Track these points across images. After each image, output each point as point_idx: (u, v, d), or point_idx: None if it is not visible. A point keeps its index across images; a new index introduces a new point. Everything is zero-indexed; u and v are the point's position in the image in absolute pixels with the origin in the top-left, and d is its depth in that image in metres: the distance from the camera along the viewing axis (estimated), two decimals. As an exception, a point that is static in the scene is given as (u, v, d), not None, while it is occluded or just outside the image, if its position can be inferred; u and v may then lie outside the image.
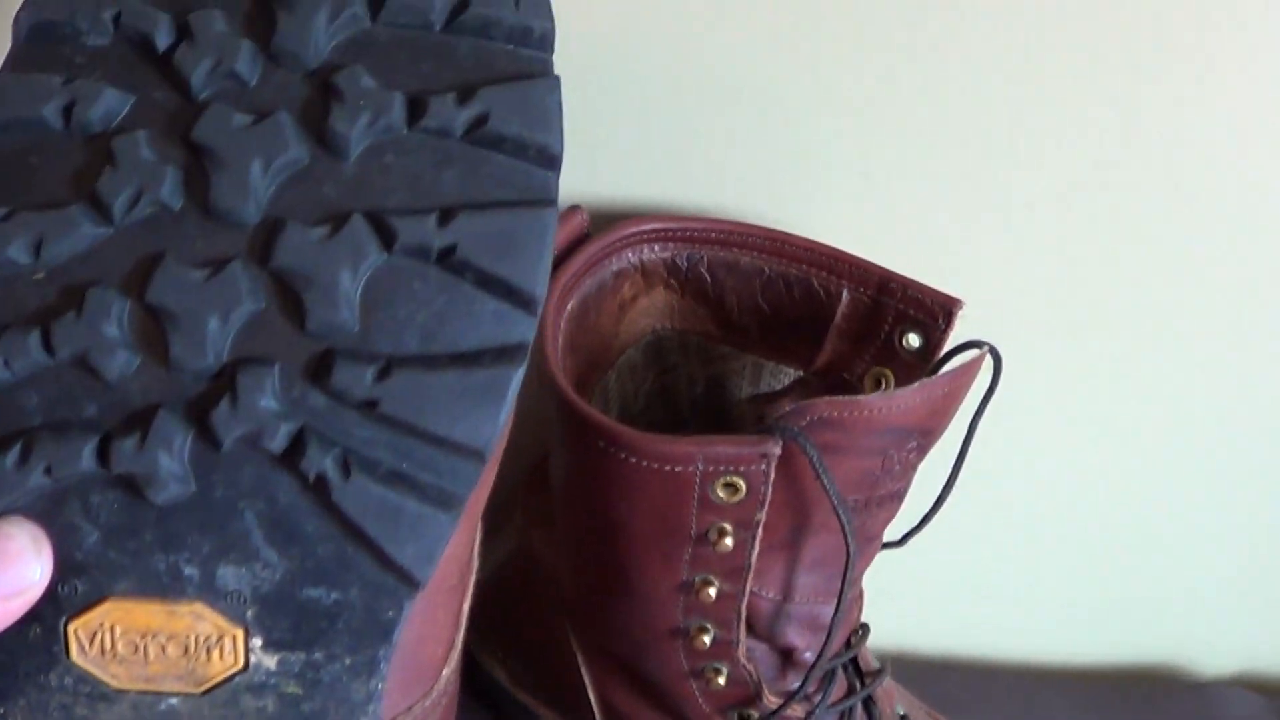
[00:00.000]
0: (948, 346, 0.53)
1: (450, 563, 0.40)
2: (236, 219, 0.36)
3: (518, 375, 0.35)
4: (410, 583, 0.35)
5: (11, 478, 0.34)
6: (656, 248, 0.56)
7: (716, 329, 0.58)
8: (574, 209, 0.55)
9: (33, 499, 0.34)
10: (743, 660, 0.54)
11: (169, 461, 0.34)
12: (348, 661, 0.36)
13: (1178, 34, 0.55)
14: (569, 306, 0.53)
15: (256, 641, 0.36)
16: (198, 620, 0.35)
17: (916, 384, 0.49)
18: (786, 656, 0.56)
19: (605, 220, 0.55)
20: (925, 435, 0.51)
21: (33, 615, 0.35)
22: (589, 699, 0.60)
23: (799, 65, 0.56)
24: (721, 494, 0.49)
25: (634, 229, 0.55)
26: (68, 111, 0.37)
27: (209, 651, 0.36)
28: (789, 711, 0.55)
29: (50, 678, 0.36)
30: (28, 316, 0.35)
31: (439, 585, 0.40)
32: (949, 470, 0.55)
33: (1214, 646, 0.76)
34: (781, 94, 0.57)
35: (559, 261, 0.53)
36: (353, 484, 0.34)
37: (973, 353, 0.51)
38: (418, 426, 0.34)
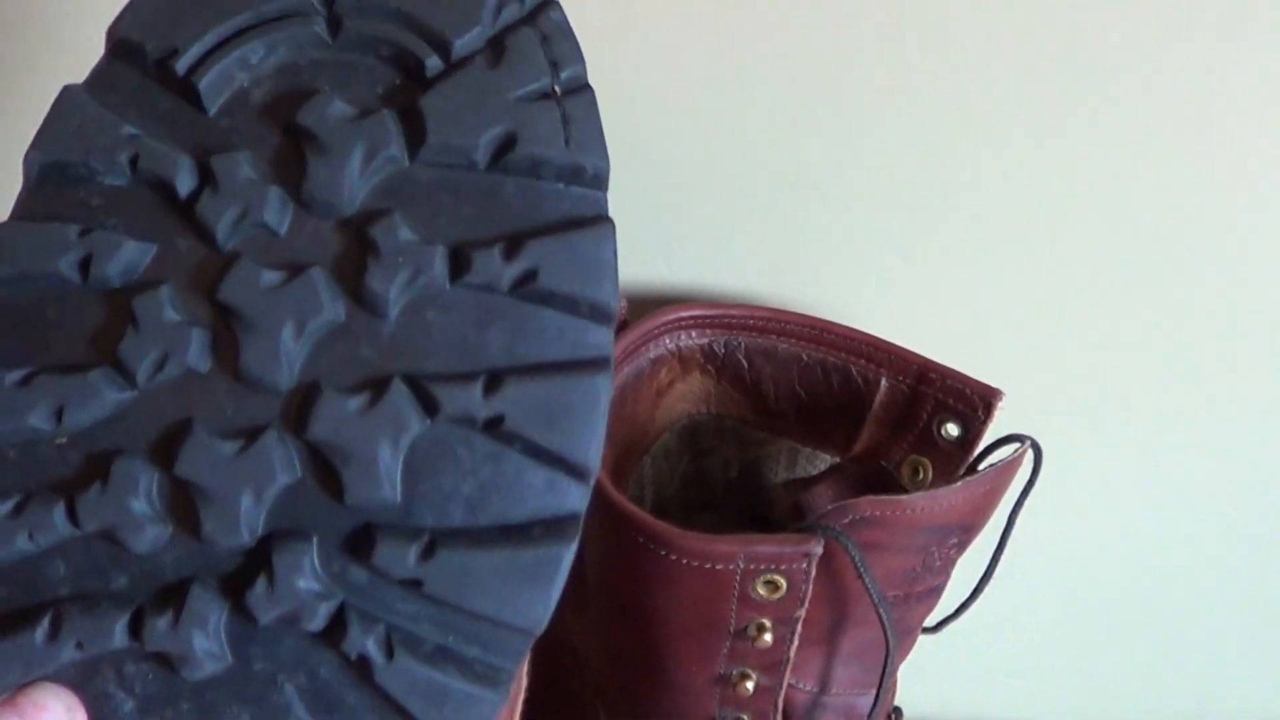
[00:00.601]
0: (987, 437, 0.53)
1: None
2: (269, 384, 0.34)
3: (570, 552, 0.33)
4: None
5: (42, 652, 0.33)
6: (694, 334, 0.56)
7: (753, 414, 0.58)
8: (612, 297, 0.54)
9: (65, 668, 0.33)
10: (778, 751, 0.54)
11: (204, 640, 0.33)
12: None
13: (1228, 131, 0.54)
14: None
15: None
16: None
17: (959, 483, 0.49)
18: (822, 746, 0.56)
19: (643, 307, 0.55)
20: (966, 532, 0.51)
21: None
22: (619, 780, 0.59)
23: (840, 152, 0.56)
24: (762, 591, 0.49)
25: (672, 316, 0.55)
26: (85, 265, 0.35)
27: None
28: (824, 801, 0.55)
29: None
30: (51, 486, 0.33)
31: None
32: (987, 558, 0.54)
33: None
34: (821, 181, 0.56)
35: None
36: (396, 664, 0.33)
37: (1014, 448, 0.51)
38: (464, 607, 0.33)
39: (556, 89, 0.37)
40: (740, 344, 0.56)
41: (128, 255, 0.35)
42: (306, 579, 0.33)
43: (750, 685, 0.51)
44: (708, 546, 0.48)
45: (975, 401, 0.53)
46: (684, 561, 0.48)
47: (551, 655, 0.60)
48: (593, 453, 0.34)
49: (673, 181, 0.57)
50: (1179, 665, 0.72)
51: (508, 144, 0.36)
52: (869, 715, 0.53)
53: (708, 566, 0.48)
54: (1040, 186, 0.56)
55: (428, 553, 0.33)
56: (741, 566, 0.48)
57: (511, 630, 0.33)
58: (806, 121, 0.55)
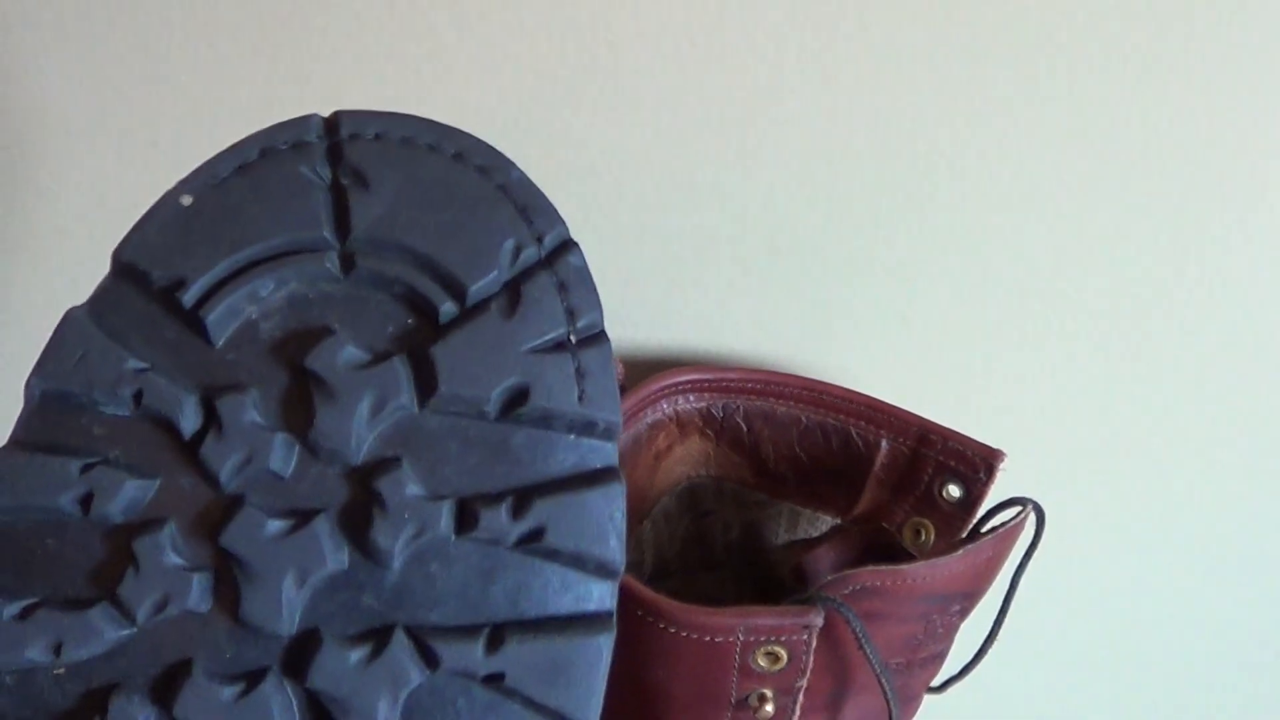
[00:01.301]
0: (990, 498, 0.52)
1: None
2: (269, 631, 0.34)
3: None
4: None
5: None
6: (692, 398, 0.56)
7: (752, 476, 0.57)
8: (609, 362, 0.54)
9: None
10: (783, 819, 0.53)
11: None
12: None
13: (1232, 171, 0.54)
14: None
15: None
16: None
17: (960, 551, 0.49)
18: (826, 813, 0.55)
19: (640, 371, 0.55)
20: (968, 598, 0.50)
21: None
22: (624, 845, 0.59)
23: (837, 216, 0.55)
24: (763, 663, 0.48)
25: (669, 381, 0.55)
26: (86, 502, 0.35)
27: None
28: None
29: None
30: (48, 718, 0.33)
31: None
32: (991, 622, 0.54)
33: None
34: (818, 243, 0.56)
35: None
36: None
37: (1016, 511, 0.50)
38: None
39: (572, 338, 0.36)
40: (739, 407, 0.56)
41: (129, 493, 0.35)
42: None
43: (753, 755, 0.51)
44: (707, 620, 0.47)
45: (977, 463, 0.52)
46: (683, 634, 0.48)
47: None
48: (592, 711, 0.34)
49: (670, 245, 0.56)
50: (1205, 712, 0.72)
51: (520, 397, 0.36)
52: (874, 782, 0.52)
53: (707, 639, 0.48)
54: (1039, 250, 0.56)
55: None
56: (741, 639, 0.48)
57: None
58: (802, 185, 0.55)
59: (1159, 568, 0.65)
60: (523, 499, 0.35)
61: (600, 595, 0.35)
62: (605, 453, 0.36)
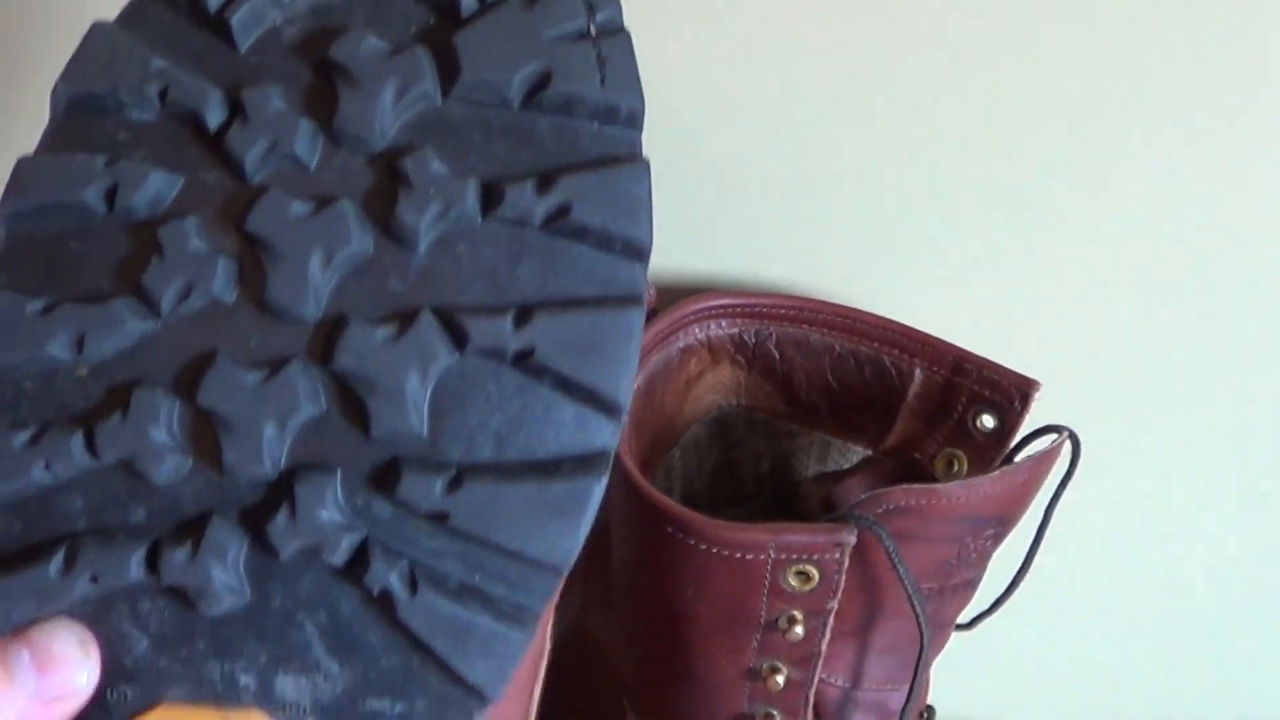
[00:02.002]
0: (1024, 429, 0.52)
1: (524, 661, 0.38)
2: (295, 315, 0.33)
3: (599, 487, 0.33)
4: (481, 698, 0.33)
5: (56, 586, 0.32)
6: (724, 324, 0.55)
7: (784, 406, 0.57)
8: (641, 284, 0.54)
9: (78, 605, 0.33)
10: (809, 748, 0.53)
11: (222, 574, 0.32)
12: None
13: (1267, 117, 0.53)
14: (636, 384, 0.52)
15: None
16: None
17: (996, 473, 0.48)
18: (853, 744, 0.55)
19: (672, 296, 0.54)
20: (1002, 523, 0.50)
21: (81, 719, 0.33)
22: (647, 780, 0.58)
23: (874, 142, 0.55)
24: (793, 582, 0.48)
25: (701, 305, 0.54)
26: (111, 196, 0.34)
27: None
28: (854, 799, 0.54)
29: None
30: (70, 417, 0.33)
31: (510, 686, 0.38)
32: (1023, 554, 0.53)
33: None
34: (854, 171, 0.56)
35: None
36: (419, 600, 0.32)
37: (1052, 438, 0.50)
38: (491, 540, 0.32)
39: (592, 30, 0.36)
40: (771, 334, 0.55)
41: (154, 186, 0.34)
42: (329, 510, 0.32)
43: (780, 679, 0.50)
44: (738, 535, 0.47)
45: (1011, 392, 0.52)
46: (714, 551, 0.47)
47: (577, 654, 0.60)
48: (624, 388, 0.33)
49: (704, 171, 0.56)
50: (1227, 669, 0.71)
51: (542, 82, 0.35)
52: (901, 712, 0.52)
53: (738, 556, 0.47)
54: (1077, 175, 0.55)
55: (454, 485, 0.32)
56: (773, 556, 0.47)
57: (538, 567, 0.33)
58: (840, 111, 0.54)
59: (1201, 501, 0.64)
60: (548, 177, 0.34)
61: (629, 276, 0.34)
62: (629, 140, 0.35)
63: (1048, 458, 0.49)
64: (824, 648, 0.50)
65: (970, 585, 0.52)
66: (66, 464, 0.33)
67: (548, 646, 0.44)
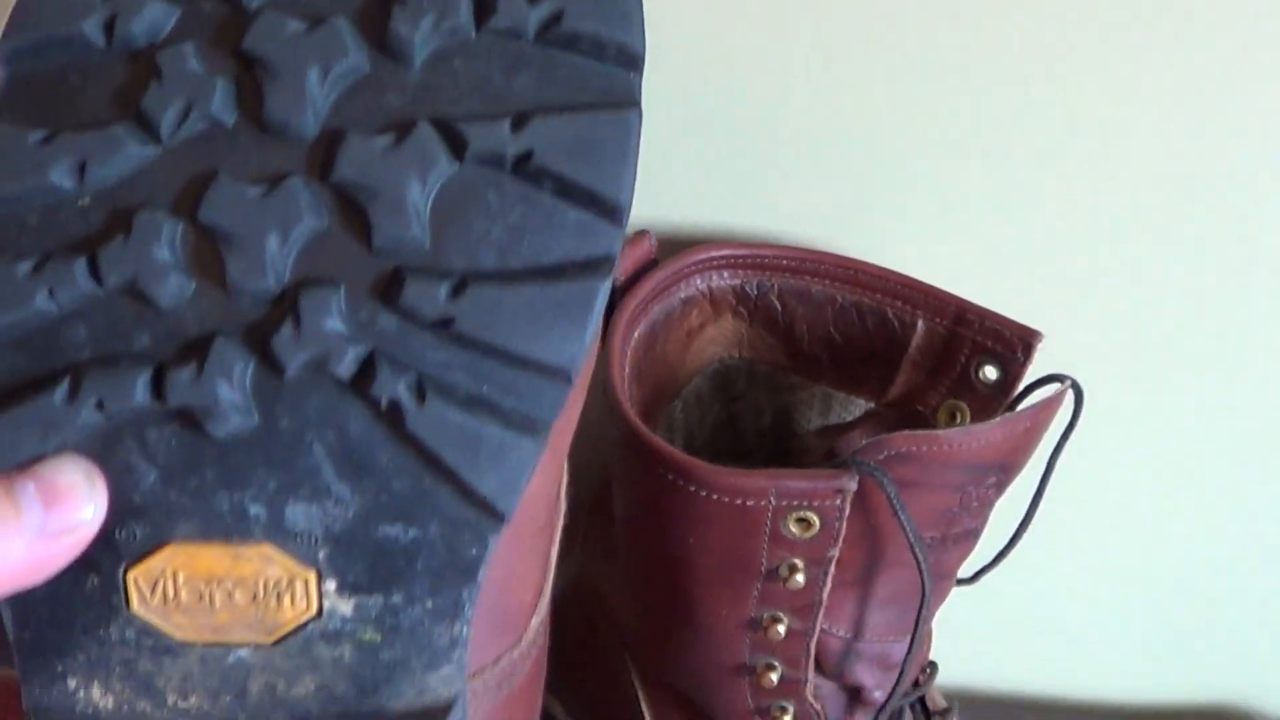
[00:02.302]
0: (1026, 380, 0.52)
1: (537, 501, 0.38)
2: (294, 132, 0.33)
3: (604, 287, 0.32)
4: (494, 516, 0.33)
5: (61, 414, 0.32)
6: (726, 275, 0.55)
7: (786, 358, 0.57)
8: (642, 234, 0.53)
9: (85, 437, 0.32)
10: (810, 699, 0.52)
11: (229, 391, 0.32)
12: (429, 604, 0.33)
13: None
14: (636, 334, 0.52)
15: (330, 585, 0.33)
16: (266, 563, 0.33)
17: (998, 419, 0.48)
18: (854, 695, 0.54)
19: (674, 247, 0.54)
20: (1005, 471, 0.49)
21: (90, 564, 0.33)
22: (648, 735, 0.58)
23: (875, 93, 0.55)
24: (794, 529, 0.48)
25: (703, 255, 0.54)
26: (109, 27, 0.34)
27: (279, 597, 0.33)
28: (856, 752, 0.54)
29: (110, 631, 0.33)
30: (73, 244, 0.33)
31: (526, 525, 0.38)
32: (1025, 507, 0.53)
33: (1282, 687, 0.74)
34: (857, 120, 0.55)
35: (626, 287, 0.52)
36: (428, 410, 0.32)
37: (1054, 387, 0.50)
38: (497, 345, 0.32)
39: None
40: (773, 285, 0.55)
41: (152, 15, 0.34)
42: (334, 320, 0.32)
43: (781, 629, 0.50)
44: (739, 481, 0.47)
45: (1014, 343, 0.52)
46: (714, 498, 0.47)
47: (579, 609, 0.60)
48: (624, 189, 0.33)
49: (706, 121, 0.56)
50: (1233, 623, 0.71)
51: None
52: (903, 664, 0.51)
53: (739, 503, 0.47)
54: (1079, 124, 0.55)
55: (458, 291, 0.32)
56: (773, 503, 0.47)
57: (546, 372, 0.32)
58: (842, 61, 0.54)
59: (1206, 456, 0.64)
60: None
61: (624, 81, 0.34)
62: None
63: (1050, 405, 0.49)
64: (825, 597, 0.50)
65: (972, 535, 0.52)
66: (70, 291, 0.32)
67: (564, 506, 0.43)
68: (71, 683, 0.33)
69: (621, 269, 0.52)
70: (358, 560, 0.33)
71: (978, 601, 0.67)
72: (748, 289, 0.55)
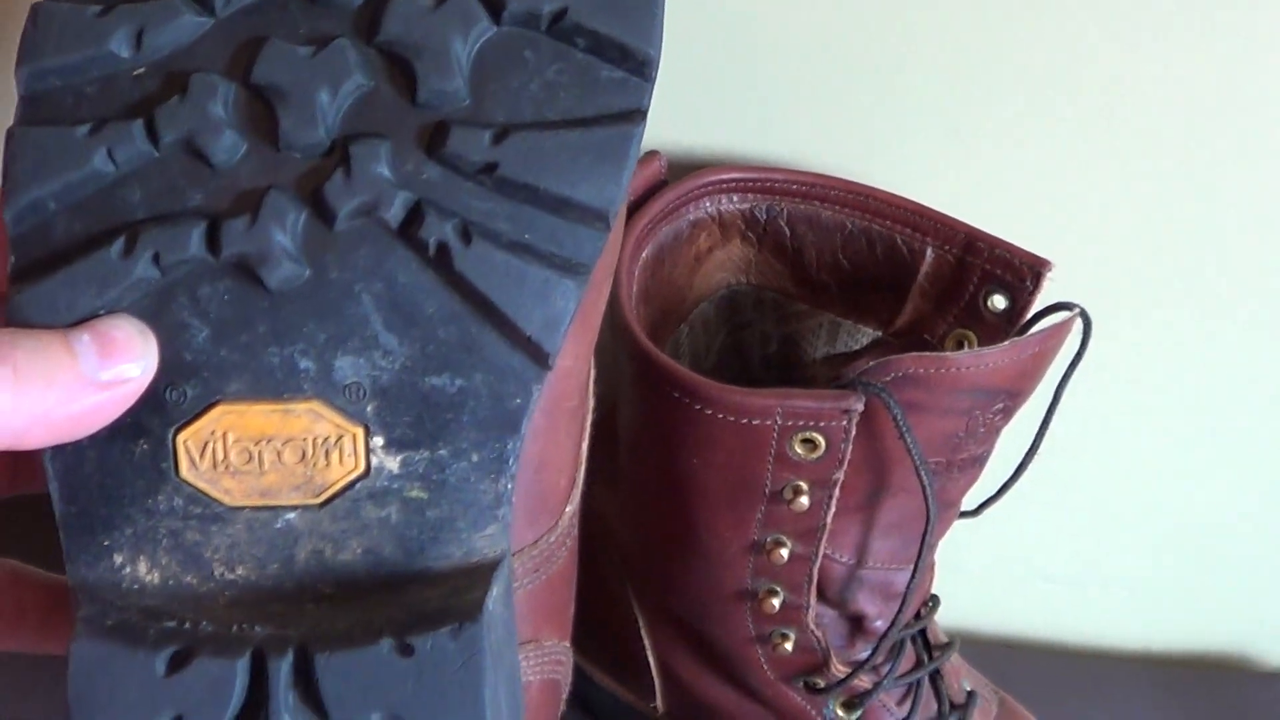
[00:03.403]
0: (1034, 309, 0.51)
1: (569, 378, 0.39)
2: (341, 1, 0.34)
3: (639, 132, 0.34)
4: (538, 359, 0.33)
5: (117, 269, 0.32)
6: (735, 198, 0.55)
7: (794, 285, 0.56)
8: (652, 154, 0.53)
9: (140, 295, 0.33)
10: (811, 626, 0.52)
11: (282, 237, 0.32)
12: (474, 458, 0.34)
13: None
14: (644, 254, 0.52)
15: (377, 441, 0.33)
16: (315, 420, 0.33)
17: (1006, 343, 0.47)
18: (856, 624, 0.54)
19: (684, 169, 0.54)
20: (1012, 397, 0.49)
21: (139, 429, 0.33)
22: (649, 665, 0.58)
23: (889, 17, 0.54)
24: (799, 450, 0.47)
25: (712, 178, 0.54)
26: None
27: (328, 455, 0.34)
28: (856, 682, 0.54)
29: (159, 500, 0.33)
30: (130, 108, 0.33)
31: (559, 404, 0.39)
32: (1030, 439, 0.53)
33: (1288, 637, 0.74)
34: (870, 46, 0.55)
35: (635, 207, 0.52)
36: (474, 251, 0.33)
37: (1063, 314, 0.49)
38: (538, 188, 0.33)
39: None
40: (782, 210, 0.55)
41: None
42: (382, 167, 0.33)
43: (784, 553, 0.50)
44: (744, 400, 0.47)
45: (1024, 271, 0.51)
46: (719, 416, 0.47)
47: (580, 539, 0.59)
48: (654, 43, 0.34)
49: (717, 45, 0.55)
50: (1234, 574, 0.70)
51: None
52: (905, 592, 0.51)
53: (744, 422, 0.47)
54: (1091, 52, 0.54)
55: (500, 138, 0.33)
56: (779, 423, 0.47)
57: (585, 214, 0.33)
58: (856, -15, 0.54)
59: (1216, 390, 0.64)
60: None
61: None
62: None
63: (1059, 331, 0.48)
64: (829, 521, 0.49)
65: (978, 462, 0.51)
66: (127, 150, 0.33)
67: (591, 404, 0.43)
68: (118, 558, 0.34)
69: (631, 189, 0.52)
70: (405, 414, 0.33)
71: (981, 544, 0.67)
72: (757, 213, 0.55)
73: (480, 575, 0.34)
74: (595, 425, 0.59)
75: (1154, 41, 0.54)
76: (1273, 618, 0.73)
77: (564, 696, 0.45)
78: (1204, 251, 0.59)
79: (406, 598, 0.34)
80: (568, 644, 0.44)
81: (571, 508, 0.42)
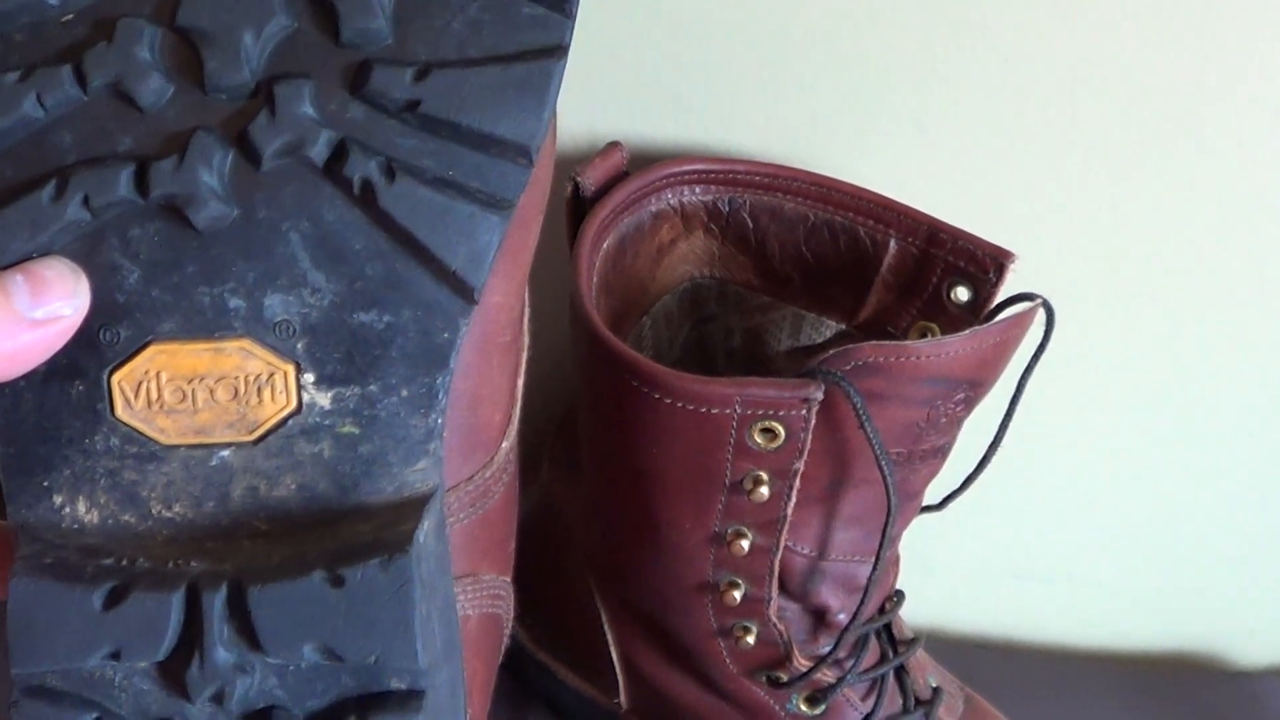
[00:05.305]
0: (998, 300, 0.51)
1: (501, 313, 0.39)
2: None
3: (560, 68, 0.34)
4: (464, 294, 0.34)
5: (48, 212, 0.33)
6: (698, 190, 0.54)
7: (757, 278, 0.56)
8: (613, 145, 0.53)
9: (71, 239, 0.33)
10: (773, 619, 0.52)
11: (209, 178, 0.33)
12: (404, 393, 0.34)
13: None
14: (605, 245, 0.51)
15: (309, 378, 0.34)
16: (247, 358, 0.34)
17: (967, 331, 0.47)
18: (819, 618, 0.54)
19: (645, 161, 0.54)
20: (974, 387, 0.49)
21: (74, 370, 0.34)
22: (611, 660, 0.58)
23: (852, 9, 0.54)
24: (759, 440, 0.47)
25: (675, 169, 0.53)
26: None
27: (260, 392, 0.34)
28: (819, 676, 0.54)
29: (96, 440, 0.34)
30: (58, 53, 0.34)
31: (491, 339, 0.39)
32: (994, 432, 0.53)
33: (1254, 635, 0.73)
34: (833, 37, 0.55)
35: (596, 197, 0.51)
36: (399, 187, 0.33)
37: (1026, 305, 0.49)
38: (461, 124, 0.33)
39: None
40: (745, 202, 0.54)
41: None
42: (307, 106, 0.33)
43: (745, 544, 0.50)
44: (703, 389, 0.46)
45: (986, 263, 0.51)
46: (679, 405, 0.47)
47: (543, 534, 0.59)
48: None
49: (679, 31, 0.55)
50: (1201, 573, 0.70)
51: None
52: (868, 581, 0.51)
53: (703, 411, 0.47)
54: (1054, 43, 0.54)
55: (422, 75, 0.33)
56: (738, 412, 0.47)
57: (508, 149, 0.34)
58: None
59: (1171, 391, 0.64)
60: None
61: None
62: None
63: (1021, 320, 0.48)
64: (789, 512, 0.49)
65: (940, 453, 0.51)
66: (56, 95, 0.33)
67: (527, 341, 0.44)
68: (57, 499, 0.35)
69: (592, 179, 0.51)
70: (334, 350, 0.34)
71: (948, 541, 0.67)
72: (719, 205, 0.55)
73: (412, 509, 0.34)
74: (559, 420, 0.59)
75: (1117, 32, 0.54)
76: (1242, 616, 0.73)
77: (506, 631, 0.46)
78: (1170, 243, 0.59)
79: (340, 532, 0.34)
80: (508, 579, 0.45)
81: (508, 444, 0.42)
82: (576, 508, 0.57)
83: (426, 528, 0.34)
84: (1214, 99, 0.55)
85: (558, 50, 0.34)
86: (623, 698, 0.59)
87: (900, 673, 0.57)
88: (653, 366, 0.47)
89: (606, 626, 0.57)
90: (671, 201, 0.54)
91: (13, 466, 0.34)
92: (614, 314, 0.53)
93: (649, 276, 0.55)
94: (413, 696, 0.34)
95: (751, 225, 0.55)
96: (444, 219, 0.33)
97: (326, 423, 0.34)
